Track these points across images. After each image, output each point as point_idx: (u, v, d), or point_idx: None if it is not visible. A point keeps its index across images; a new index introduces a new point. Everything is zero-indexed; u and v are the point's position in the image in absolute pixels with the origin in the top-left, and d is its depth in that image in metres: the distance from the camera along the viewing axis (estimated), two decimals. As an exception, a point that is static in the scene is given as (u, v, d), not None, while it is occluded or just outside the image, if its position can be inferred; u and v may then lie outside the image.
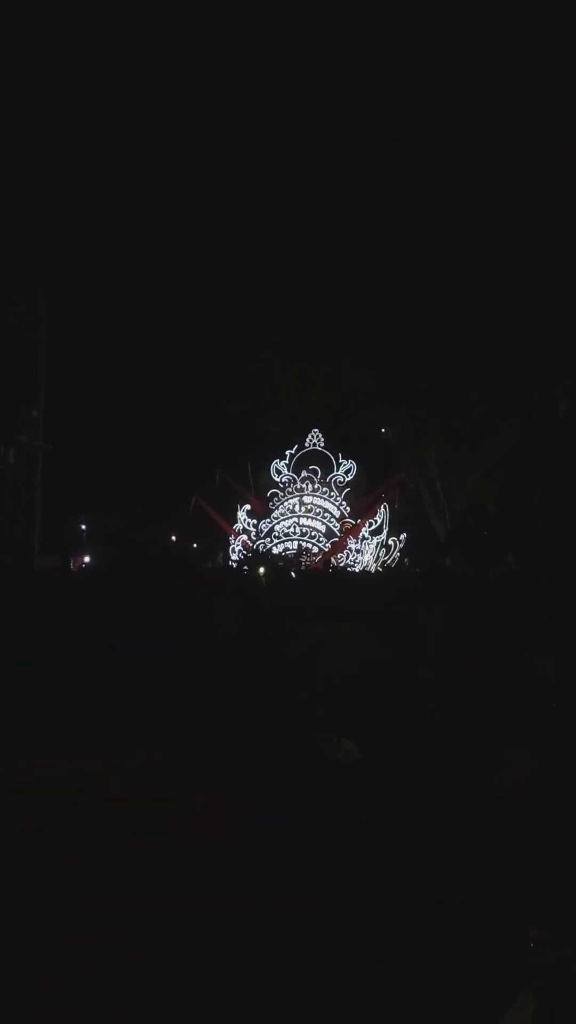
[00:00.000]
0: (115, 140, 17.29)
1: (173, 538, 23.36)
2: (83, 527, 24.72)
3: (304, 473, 21.63)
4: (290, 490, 21.64)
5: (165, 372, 23.04)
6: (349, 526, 20.87)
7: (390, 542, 20.82)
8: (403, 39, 13.06)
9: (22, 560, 15.83)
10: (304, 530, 21.21)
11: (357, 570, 18.77)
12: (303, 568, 17.04)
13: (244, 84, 15.19)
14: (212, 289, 20.62)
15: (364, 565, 19.57)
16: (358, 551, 20.47)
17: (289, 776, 2.91)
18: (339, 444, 21.91)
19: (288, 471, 21.82)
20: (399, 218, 15.10)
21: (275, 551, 20.51)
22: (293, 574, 11.35)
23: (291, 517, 21.44)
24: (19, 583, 5.27)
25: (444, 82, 12.99)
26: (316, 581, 9.83)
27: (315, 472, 21.57)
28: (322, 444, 21.81)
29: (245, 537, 21.40)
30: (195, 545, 23.51)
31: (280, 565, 15.99)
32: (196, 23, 14.66)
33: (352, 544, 20.50)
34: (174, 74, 15.17)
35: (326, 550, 20.44)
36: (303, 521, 21.32)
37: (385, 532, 20.85)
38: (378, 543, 20.72)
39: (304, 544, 20.90)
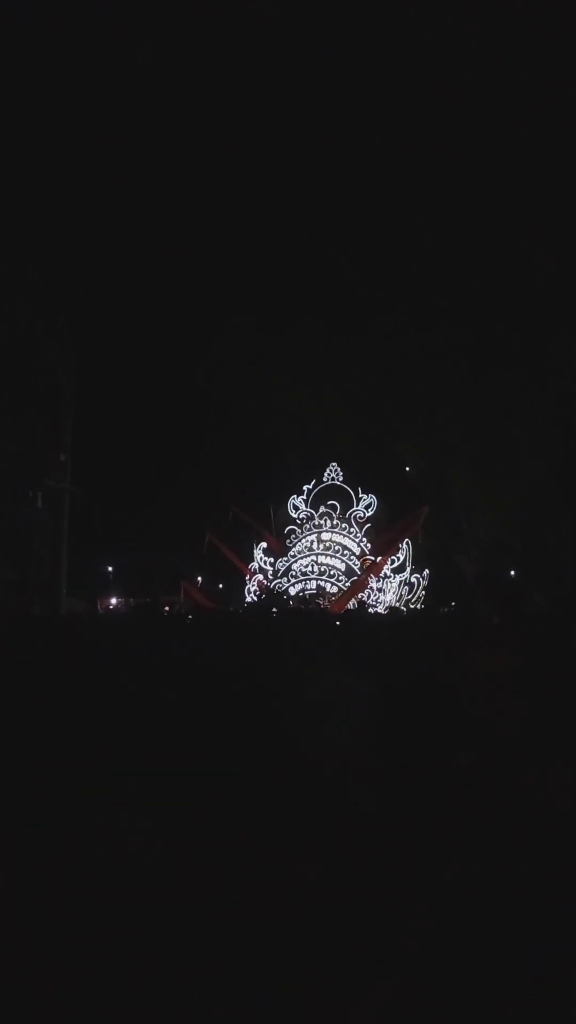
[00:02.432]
0: (137, 170, 17.92)
1: (199, 579, 23.56)
2: (109, 568, 25.13)
3: (322, 509, 21.67)
4: (308, 527, 21.67)
5: (186, 409, 23.73)
6: (370, 563, 20.83)
7: (413, 579, 20.75)
8: (403, 39, 13.51)
9: (49, 605, 16.26)
10: (323, 568, 21.15)
11: (379, 610, 18.75)
12: (321, 608, 17.09)
13: (244, 84, 15.69)
14: (229, 327, 21.20)
15: (387, 604, 19.53)
16: (380, 590, 20.40)
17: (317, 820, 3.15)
18: (358, 479, 22.05)
19: (306, 507, 21.88)
20: (424, 247, 15.46)
21: (292, 591, 20.50)
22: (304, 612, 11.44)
23: (309, 555, 21.43)
24: (46, 630, 5.54)
25: (444, 82, 13.40)
26: (334, 624, 9.94)
27: (334, 507, 21.60)
28: (341, 478, 21.89)
29: (261, 576, 21.45)
30: (220, 586, 23.68)
31: (297, 607, 16.06)
32: (196, 23, 15.20)
33: (373, 583, 20.45)
34: (175, 75, 15.69)
35: (346, 589, 20.37)
36: (321, 559, 21.26)
37: (408, 569, 20.83)
38: (401, 581, 20.66)
39: (322, 584, 20.87)
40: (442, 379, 18.81)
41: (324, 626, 9.22)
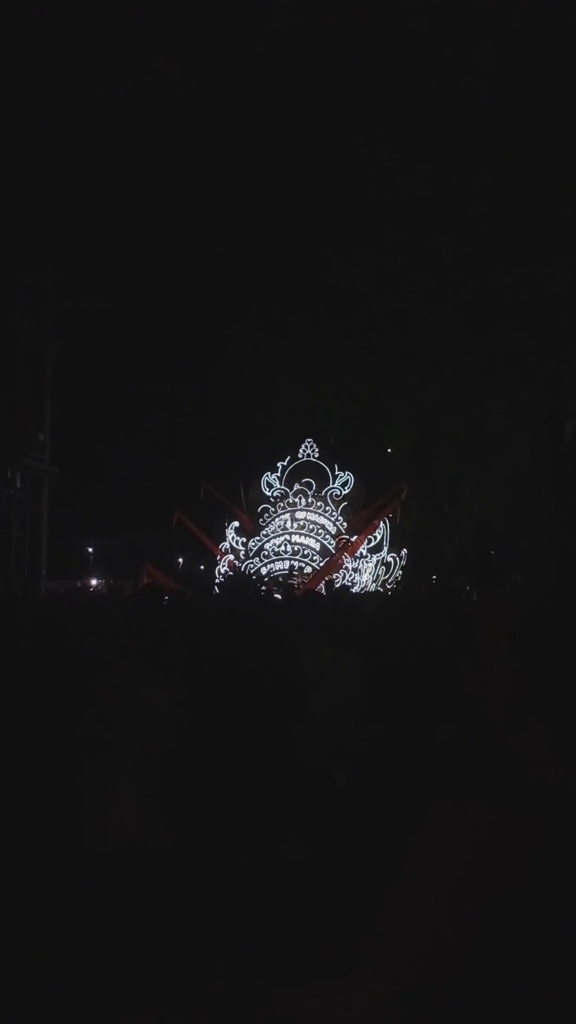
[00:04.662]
0: (124, 153, 18.05)
1: (180, 560, 23.61)
2: (89, 549, 25.33)
3: (297, 487, 21.57)
4: (282, 505, 21.58)
5: (168, 389, 23.99)
6: (345, 542, 20.90)
7: (390, 559, 20.83)
8: (408, 42, 13.61)
9: (29, 586, 16.42)
10: (296, 548, 21.09)
11: (355, 591, 18.89)
12: (294, 589, 17.22)
13: (244, 85, 15.77)
14: (212, 301, 21.32)
15: (362, 585, 19.66)
16: (355, 570, 20.48)
17: (300, 797, 3.30)
18: (337, 456, 22.04)
19: (280, 484, 21.78)
20: (411, 231, 15.65)
21: (263, 571, 20.53)
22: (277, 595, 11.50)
23: (282, 534, 21.40)
24: (25, 612, 5.62)
25: (445, 83, 13.52)
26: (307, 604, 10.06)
27: (309, 485, 21.50)
28: (316, 455, 21.84)
29: (232, 557, 21.44)
30: (202, 567, 23.80)
31: (266, 588, 16.14)
32: (195, 22, 15.24)
33: (349, 563, 20.55)
34: (174, 75, 15.78)
35: (319, 569, 20.45)
36: (295, 539, 21.17)
37: (385, 549, 20.91)
38: (378, 561, 20.74)
39: (296, 563, 20.89)
40: (427, 361, 19.00)
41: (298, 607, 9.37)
